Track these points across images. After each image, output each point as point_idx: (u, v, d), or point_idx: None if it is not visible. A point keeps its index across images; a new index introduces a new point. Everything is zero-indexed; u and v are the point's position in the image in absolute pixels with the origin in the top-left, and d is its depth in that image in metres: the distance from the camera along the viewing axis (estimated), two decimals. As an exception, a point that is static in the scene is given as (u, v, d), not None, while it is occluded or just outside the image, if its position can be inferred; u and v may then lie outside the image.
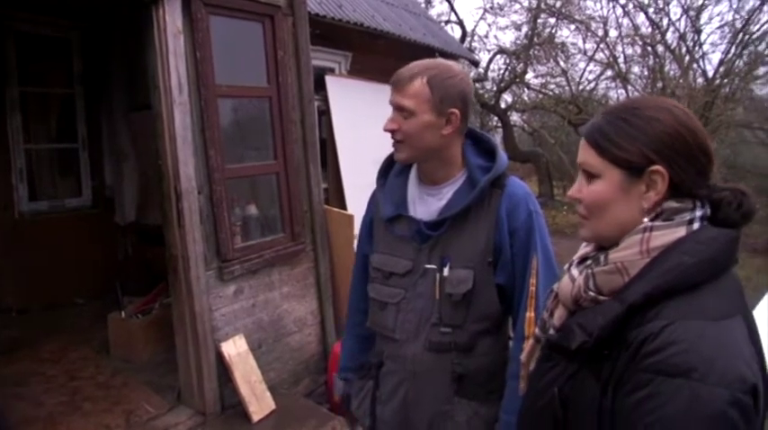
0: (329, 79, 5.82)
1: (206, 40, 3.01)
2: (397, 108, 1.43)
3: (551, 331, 1.05)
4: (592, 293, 0.95)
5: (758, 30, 8.25)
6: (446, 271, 1.45)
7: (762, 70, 8.52)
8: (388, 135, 1.49)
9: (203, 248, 3.00)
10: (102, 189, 5.15)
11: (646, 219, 0.92)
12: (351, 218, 3.85)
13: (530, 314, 1.42)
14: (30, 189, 4.73)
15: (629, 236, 0.93)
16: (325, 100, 5.76)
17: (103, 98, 5.05)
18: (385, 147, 1.66)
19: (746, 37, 8.27)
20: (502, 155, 1.52)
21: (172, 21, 2.84)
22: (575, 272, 1.01)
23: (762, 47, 8.32)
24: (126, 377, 3.46)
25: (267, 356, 3.40)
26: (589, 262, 1.00)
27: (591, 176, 0.97)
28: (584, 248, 1.08)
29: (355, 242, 2.56)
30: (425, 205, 1.52)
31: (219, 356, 3.09)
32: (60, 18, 4.64)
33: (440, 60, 1.52)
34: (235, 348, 3.15)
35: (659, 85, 7.95)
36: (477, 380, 1.50)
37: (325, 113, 5.85)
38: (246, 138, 3.56)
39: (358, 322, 1.76)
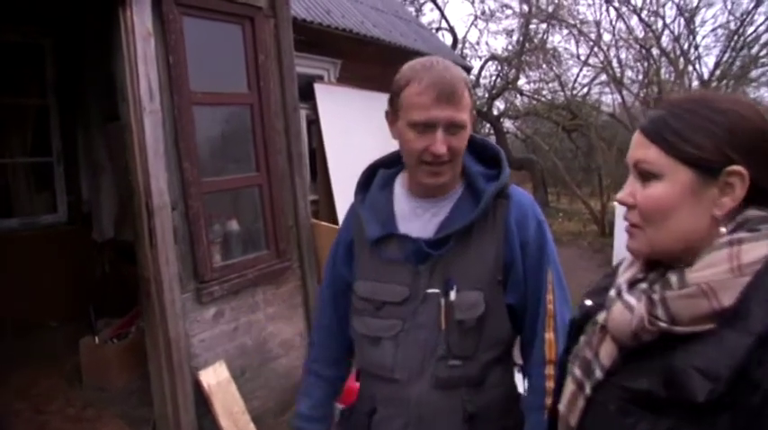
0: (318, 87, 5.61)
1: (179, 42, 2.78)
2: (450, 125, 1.20)
3: (598, 373, 0.86)
4: (663, 324, 0.76)
5: (752, 32, 8.12)
6: (453, 295, 1.24)
7: (756, 72, 8.41)
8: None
9: (178, 269, 2.75)
10: (78, 204, 4.89)
11: (723, 229, 0.77)
12: (340, 232, 3.61)
13: (549, 335, 1.27)
14: (2, 205, 4.48)
15: (711, 251, 0.76)
16: (314, 108, 5.57)
17: (79, 108, 4.80)
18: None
19: (741, 39, 8.13)
20: (504, 159, 1.34)
21: (141, 22, 2.61)
22: (630, 298, 0.82)
23: (755, 49, 8.18)
24: (98, 409, 3.20)
25: (251, 383, 3.15)
26: (645, 285, 0.82)
27: (649, 177, 0.80)
28: (628, 269, 0.89)
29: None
30: (420, 221, 1.31)
31: (198, 385, 2.84)
32: (29, 24, 4.39)
33: (439, 58, 1.31)
34: (215, 376, 2.90)
35: (655, 88, 7.80)
36: (491, 418, 1.29)
37: (314, 122, 5.66)
38: (226, 148, 3.32)
39: (323, 359, 1.53)
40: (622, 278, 0.88)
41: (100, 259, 4.89)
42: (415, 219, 1.31)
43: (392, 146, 1.37)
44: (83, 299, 4.29)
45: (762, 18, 7.92)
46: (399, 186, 1.37)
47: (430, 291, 1.26)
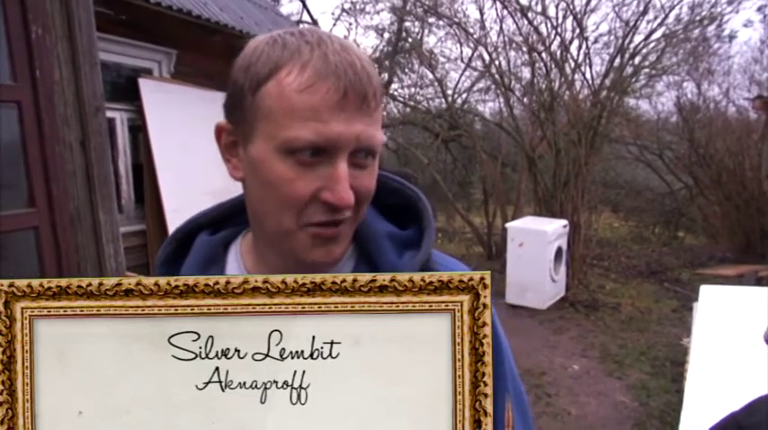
0: (144, 83, 4.68)
1: None
2: (360, 150, 0.73)
3: None
4: None
5: (640, 42, 8.34)
6: None
7: (639, 83, 8.72)
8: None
9: None
10: None
11: None
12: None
13: None
14: None
15: None
16: (141, 111, 4.63)
17: None
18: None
19: (628, 48, 8.33)
20: (429, 212, 0.85)
21: None
22: None
23: (638, 60, 8.45)
24: None
25: None
26: None
27: None
28: None
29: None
30: None
31: None
32: None
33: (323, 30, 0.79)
34: None
35: (545, 95, 7.76)
36: None
37: (140, 130, 4.72)
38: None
39: None
40: None
41: None
42: None
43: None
44: None
45: (645, 25, 8.18)
46: (237, 263, 0.86)
47: None
